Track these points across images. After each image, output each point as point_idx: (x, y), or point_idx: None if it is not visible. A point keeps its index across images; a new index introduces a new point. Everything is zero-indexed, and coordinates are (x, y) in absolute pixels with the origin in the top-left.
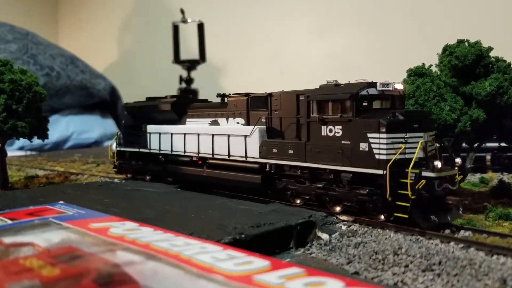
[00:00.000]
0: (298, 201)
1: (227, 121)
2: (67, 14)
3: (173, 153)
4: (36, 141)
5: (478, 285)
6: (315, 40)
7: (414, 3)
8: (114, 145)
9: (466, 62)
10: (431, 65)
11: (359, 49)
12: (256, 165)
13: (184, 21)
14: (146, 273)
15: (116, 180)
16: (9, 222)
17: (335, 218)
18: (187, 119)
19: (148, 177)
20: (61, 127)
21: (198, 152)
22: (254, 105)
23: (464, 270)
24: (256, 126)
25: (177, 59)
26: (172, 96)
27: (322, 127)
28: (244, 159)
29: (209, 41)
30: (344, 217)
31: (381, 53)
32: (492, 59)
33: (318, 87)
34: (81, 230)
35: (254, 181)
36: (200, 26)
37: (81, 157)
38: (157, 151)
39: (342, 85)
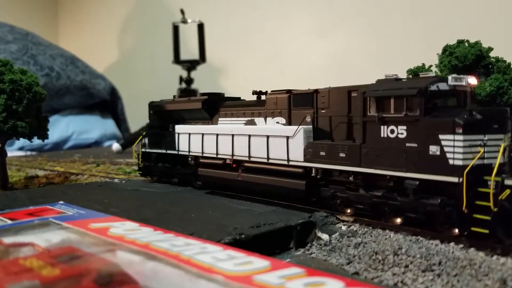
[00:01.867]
0: (348, 211)
1: (265, 120)
2: (67, 15)
3: (204, 155)
4: (36, 141)
5: (478, 286)
6: (316, 40)
7: (414, 4)
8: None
9: (466, 63)
10: (431, 66)
11: (359, 49)
12: (300, 170)
13: (184, 21)
14: (146, 273)
15: (116, 180)
16: (9, 222)
17: (335, 218)
18: (220, 119)
19: (175, 180)
20: (61, 127)
21: (233, 155)
22: (297, 103)
23: (464, 271)
24: (300, 126)
25: (177, 60)
26: (203, 94)
27: (382, 127)
28: (285, 162)
29: (209, 41)
30: (344, 218)
31: (381, 53)
32: (492, 59)
33: (374, 82)
34: (81, 230)
35: (297, 187)
36: (200, 27)
37: (81, 157)
38: (186, 153)
39: (404, 79)
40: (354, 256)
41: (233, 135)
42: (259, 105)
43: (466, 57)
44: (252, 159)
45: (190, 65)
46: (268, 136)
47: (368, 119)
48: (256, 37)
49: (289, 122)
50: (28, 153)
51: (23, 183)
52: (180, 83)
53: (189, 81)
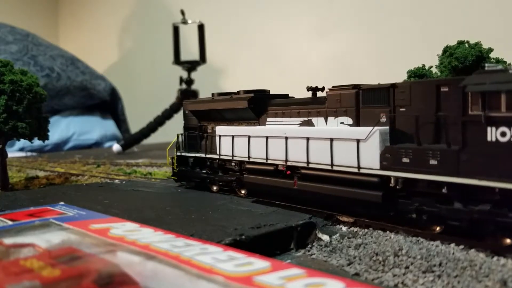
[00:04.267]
0: (437, 228)
1: (326, 121)
2: (67, 15)
3: (251, 160)
4: (37, 142)
5: (479, 287)
6: (315, 41)
7: (414, 4)
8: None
9: (467, 63)
10: (431, 66)
11: (359, 50)
12: (374, 179)
13: (185, 22)
14: (146, 274)
15: (116, 181)
16: (10, 223)
17: (335, 219)
18: (268, 119)
19: (215, 188)
20: (62, 128)
21: (286, 160)
22: (367, 100)
23: (465, 272)
24: (375, 128)
25: (177, 60)
26: (247, 91)
27: (489, 129)
28: (355, 170)
29: (209, 42)
30: (344, 218)
31: (381, 54)
32: (492, 60)
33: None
34: (82, 231)
35: (371, 199)
36: (201, 27)
37: (81, 158)
38: (229, 157)
39: None
40: (354, 257)
41: (286, 138)
42: (317, 103)
43: (466, 58)
44: (311, 165)
45: (191, 66)
46: (332, 139)
47: (469, 118)
48: (256, 38)
49: (357, 123)
50: (29, 154)
51: (24, 184)
52: (181, 83)
53: (190, 81)
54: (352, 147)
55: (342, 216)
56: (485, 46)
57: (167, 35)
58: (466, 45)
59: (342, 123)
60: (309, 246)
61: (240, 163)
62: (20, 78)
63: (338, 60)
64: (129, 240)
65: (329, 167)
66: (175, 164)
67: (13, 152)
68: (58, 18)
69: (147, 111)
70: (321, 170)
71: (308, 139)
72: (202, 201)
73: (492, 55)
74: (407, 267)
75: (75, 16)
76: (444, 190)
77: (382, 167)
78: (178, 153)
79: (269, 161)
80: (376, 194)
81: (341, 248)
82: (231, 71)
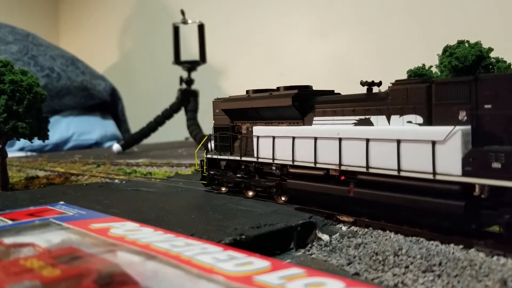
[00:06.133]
0: None
1: (389, 119)
2: (67, 15)
3: (296, 163)
4: (37, 142)
5: (479, 286)
6: (316, 41)
7: (414, 4)
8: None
9: (467, 63)
10: (431, 66)
11: (359, 50)
12: (456, 186)
13: (185, 22)
14: (146, 273)
15: (116, 181)
16: (10, 222)
17: (335, 218)
18: (315, 118)
19: (250, 193)
20: (62, 128)
21: (340, 164)
22: (442, 96)
23: (465, 271)
24: (457, 128)
25: (177, 60)
26: (288, 87)
27: None
28: (430, 176)
29: (209, 42)
30: (344, 218)
31: (381, 54)
32: (492, 59)
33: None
34: (82, 231)
35: (450, 210)
36: (201, 27)
37: (81, 158)
38: (269, 161)
39: None
40: (354, 256)
41: (340, 139)
42: (377, 100)
43: (467, 57)
44: (371, 170)
45: (191, 66)
46: (399, 141)
47: None
48: (256, 38)
49: (429, 122)
50: (29, 153)
51: (24, 184)
52: (181, 83)
53: (190, 81)
54: (425, 150)
55: (342, 215)
56: (485, 45)
57: (167, 35)
58: (466, 44)
59: (409, 122)
60: (309, 245)
61: (282, 167)
62: (20, 78)
63: (338, 60)
64: (129, 239)
65: (395, 173)
66: (204, 167)
67: (13, 152)
68: (58, 18)
69: (147, 111)
70: (385, 176)
71: (368, 140)
72: (202, 200)
73: (492, 55)
74: (407, 267)
75: (75, 16)
76: None
77: (465, 173)
78: (209, 156)
79: (318, 165)
80: (457, 204)
81: (341, 248)
82: (231, 71)
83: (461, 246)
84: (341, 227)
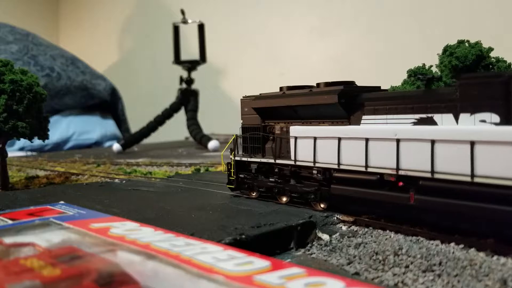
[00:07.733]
0: None
1: (456, 118)
2: (67, 15)
3: (342, 167)
4: (37, 142)
5: (479, 286)
6: (316, 41)
7: (414, 4)
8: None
9: (467, 63)
10: (431, 66)
11: (359, 50)
12: None
13: (185, 22)
14: (146, 273)
15: (116, 180)
16: (10, 222)
17: (335, 218)
18: (364, 116)
19: (284, 199)
20: (62, 127)
21: (398, 169)
22: None
23: (465, 271)
24: None
25: (177, 60)
26: (330, 84)
27: None
28: (510, 183)
29: (209, 42)
30: (344, 218)
31: (381, 54)
32: (492, 59)
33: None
34: (82, 231)
35: None
36: (201, 27)
37: (81, 158)
38: (310, 164)
39: None
40: (354, 256)
41: (398, 140)
42: (441, 96)
43: (467, 57)
44: (436, 175)
45: (191, 66)
46: (473, 142)
47: None
48: (257, 38)
49: (507, 120)
50: (29, 153)
51: (24, 183)
52: (181, 83)
53: (190, 81)
54: (506, 152)
55: (342, 215)
56: (485, 45)
57: (167, 35)
58: (466, 44)
59: (483, 121)
60: (309, 245)
61: (325, 170)
62: (20, 77)
63: (338, 60)
64: (129, 239)
65: (467, 179)
66: (232, 171)
67: (13, 151)
68: (58, 18)
69: (147, 111)
70: (454, 183)
71: (433, 142)
72: (202, 200)
73: (492, 54)
74: (407, 266)
75: (75, 16)
76: None
77: None
78: (237, 158)
79: (370, 169)
80: None
81: (341, 247)
82: (231, 71)
83: (461, 246)
84: (341, 227)
